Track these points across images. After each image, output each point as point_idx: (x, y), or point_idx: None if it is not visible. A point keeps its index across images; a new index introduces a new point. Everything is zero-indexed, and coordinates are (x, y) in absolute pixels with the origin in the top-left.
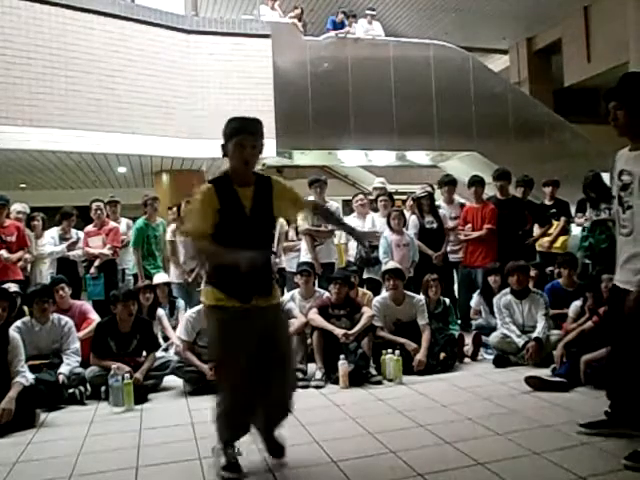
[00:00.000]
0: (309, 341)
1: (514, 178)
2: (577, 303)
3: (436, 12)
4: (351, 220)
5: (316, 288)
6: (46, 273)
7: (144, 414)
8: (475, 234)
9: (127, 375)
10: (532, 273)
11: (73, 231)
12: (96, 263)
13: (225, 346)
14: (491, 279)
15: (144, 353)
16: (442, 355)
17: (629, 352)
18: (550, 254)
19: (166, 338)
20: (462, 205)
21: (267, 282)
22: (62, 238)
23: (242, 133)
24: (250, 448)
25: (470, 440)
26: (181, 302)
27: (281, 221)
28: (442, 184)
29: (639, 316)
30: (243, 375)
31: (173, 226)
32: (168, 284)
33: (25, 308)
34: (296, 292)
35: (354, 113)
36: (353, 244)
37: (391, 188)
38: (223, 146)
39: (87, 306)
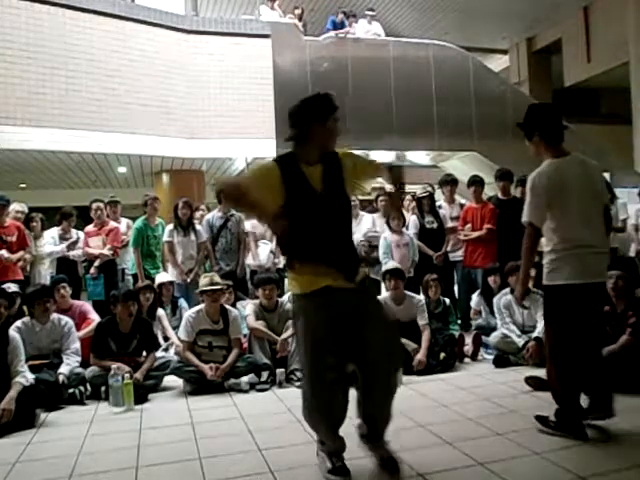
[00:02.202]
0: None
1: (514, 178)
2: None
3: (436, 12)
4: None
5: None
6: (45, 273)
7: (144, 414)
8: (475, 234)
9: (127, 375)
10: (532, 273)
11: (73, 231)
12: (96, 263)
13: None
14: (491, 279)
15: (144, 353)
16: (442, 355)
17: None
18: None
19: (166, 338)
20: (462, 205)
21: (352, 260)
22: (62, 238)
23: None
24: (251, 449)
25: (470, 440)
26: (183, 302)
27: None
28: (444, 183)
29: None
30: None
31: (170, 226)
32: (172, 282)
33: (25, 308)
34: None
35: (354, 113)
36: None
37: (391, 188)
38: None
39: (87, 306)
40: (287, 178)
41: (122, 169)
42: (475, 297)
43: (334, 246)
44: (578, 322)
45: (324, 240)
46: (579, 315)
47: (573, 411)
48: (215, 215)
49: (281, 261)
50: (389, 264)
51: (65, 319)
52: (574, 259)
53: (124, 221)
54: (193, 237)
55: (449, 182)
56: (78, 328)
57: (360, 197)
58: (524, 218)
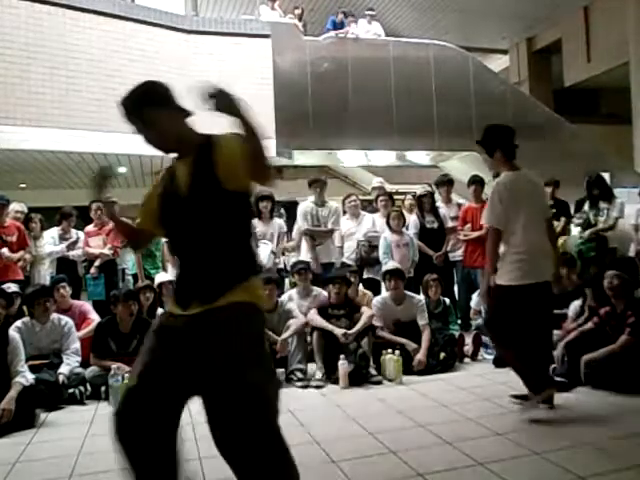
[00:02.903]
0: (309, 341)
1: None
2: (577, 303)
3: (436, 12)
4: (344, 222)
5: (313, 287)
6: (45, 273)
7: None
8: (474, 234)
9: (127, 375)
10: None
11: (73, 231)
12: (96, 263)
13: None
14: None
15: None
16: (442, 355)
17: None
18: None
19: None
20: (460, 205)
21: (214, 280)
22: (62, 238)
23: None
24: None
25: (470, 440)
26: None
27: (280, 222)
28: (440, 184)
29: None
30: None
31: None
32: (172, 282)
33: (25, 308)
34: (293, 291)
35: (354, 113)
36: (351, 245)
37: (391, 188)
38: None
39: (87, 306)
40: (162, 180)
41: (122, 169)
42: (475, 297)
43: (192, 265)
44: (524, 315)
45: (183, 257)
46: (526, 309)
47: (541, 377)
48: None
49: (281, 261)
50: (389, 264)
51: (65, 319)
52: (524, 263)
53: None
54: None
55: (445, 182)
56: (78, 328)
57: (361, 197)
58: (487, 223)
